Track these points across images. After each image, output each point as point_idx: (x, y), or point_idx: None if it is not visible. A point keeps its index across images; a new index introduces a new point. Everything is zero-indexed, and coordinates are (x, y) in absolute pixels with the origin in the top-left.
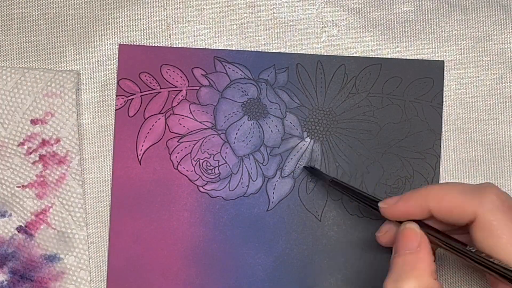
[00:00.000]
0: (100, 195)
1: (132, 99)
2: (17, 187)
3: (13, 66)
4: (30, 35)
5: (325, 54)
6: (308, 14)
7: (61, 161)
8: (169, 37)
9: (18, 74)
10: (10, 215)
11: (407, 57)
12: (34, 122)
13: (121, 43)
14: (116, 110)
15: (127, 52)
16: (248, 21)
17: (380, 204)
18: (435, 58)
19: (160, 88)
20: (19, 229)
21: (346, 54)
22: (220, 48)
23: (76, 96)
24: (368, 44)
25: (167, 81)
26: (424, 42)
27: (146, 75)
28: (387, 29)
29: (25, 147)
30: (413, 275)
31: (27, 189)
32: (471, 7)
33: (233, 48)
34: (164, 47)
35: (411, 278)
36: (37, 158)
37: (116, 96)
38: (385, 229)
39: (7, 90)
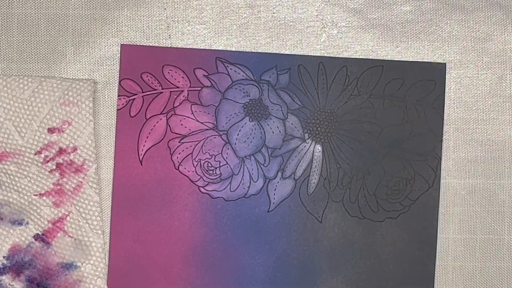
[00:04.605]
0: (101, 192)
1: (133, 99)
2: (34, 195)
3: (12, 69)
4: (30, 35)
5: (325, 54)
6: (308, 14)
7: (78, 170)
8: (169, 37)
9: (35, 83)
10: (27, 223)
11: (407, 58)
12: (51, 130)
13: (122, 43)
14: (117, 110)
15: (129, 52)
16: (248, 22)
17: None
18: (435, 58)
19: (162, 89)
20: (36, 237)
21: (346, 54)
22: (220, 48)
23: (93, 104)
24: (368, 44)
25: (168, 81)
26: (424, 42)
27: (148, 75)
28: (387, 30)
29: (42, 155)
30: None
31: (44, 197)
32: (471, 8)
33: (233, 49)
34: (166, 47)
35: None
36: (54, 167)
37: (118, 96)
38: None
39: (24, 99)
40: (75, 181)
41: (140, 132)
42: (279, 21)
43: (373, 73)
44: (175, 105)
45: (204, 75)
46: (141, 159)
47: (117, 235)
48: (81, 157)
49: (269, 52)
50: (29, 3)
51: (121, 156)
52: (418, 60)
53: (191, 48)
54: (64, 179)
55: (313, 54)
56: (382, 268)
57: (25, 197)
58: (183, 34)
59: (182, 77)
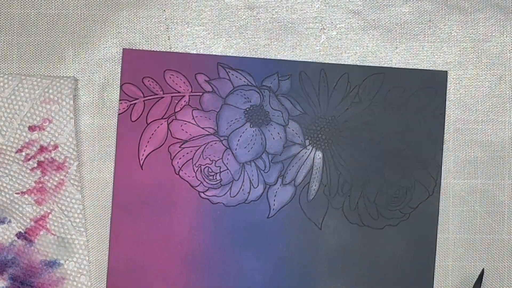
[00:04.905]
0: (101, 196)
1: (135, 103)
2: (16, 193)
3: (12, 69)
4: (30, 36)
5: (324, 55)
6: (307, 16)
7: (59, 167)
8: (168, 39)
9: (16, 81)
10: (10, 221)
11: (406, 59)
12: (32, 128)
13: (122, 45)
14: (119, 114)
15: (130, 57)
16: (247, 23)
17: None
18: (434, 59)
19: (163, 93)
20: (19, 235)
21: (345, 55)
22: (220, 50)
23: (74, 102)
24: (367, 46)
25: (170, 86)
26: (423, 43)
27: (150, 80)
28: (386, 31)
29: (23, 153)
30: None
31: (26, 195)
32: (470, 9)
33: (232, 50)
34: (167, 52)
35: None
36: (35, 165)
37: (119, 100)
38: None
39: (4, 97)
40: (56, 179)
41: (141, 137)
42: (278, 22)
43: (374, 80)
44: (176, 110)
45: (205, 80)
46: (141, 163)
47: (117, 239)
48: (62, 154)
49: (270, 56)
50: (29, 3)
51: (122, 160)
52: (418, 65)
53: (192, 53)
54: (46, 177)
55: (312, 56)
56: (381, 275)
57: (7, 196)
58: (182, 36)
59: (184, 82)
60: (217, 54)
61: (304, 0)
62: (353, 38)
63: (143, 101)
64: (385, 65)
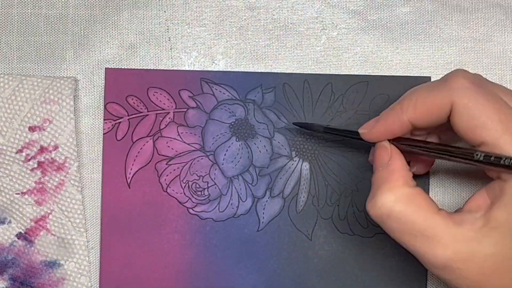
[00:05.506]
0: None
1: (119, 122)
2: (16, 194)
3: (12, 69)
4: (29, 36)
5: (325, 55)
6: (308, 16)
7: (59, 168)
8: (168, 40)
9: (16, 81)
10: (10, 222)
11: (407, 59)
12: (32, 129)
13: (123, 46)
14: (104, 134)
15: (113, 76)
16: (247, 24)
17: (360, 130)
18: (435, 59)
19: (148, 111)
20: (19, 235)
21: (345, 55)
22: (220, 50)
23: (74, 102)
24: (367, 46)
25: (154, 104)
26: (424, 43)
27: (133, 98)
28: (387, 31)
29: (24, 154)
30: (386, 188)
31: (26, 196)
32: (471, 9)
33: (233, 51)
34: (150, 70)
35: (385, 191)
36: (35, 165)
37: (104, 120)
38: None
39: (4, 98)
40: (56, 180)
41: (127, 156)
42: (279, 23)
43: (358, 89)
44: (161, 127)
45: (189, 96)
46: (129, 182)
47: (107, 260)
48: (63, 155)
49: (271, 57)
50: (29, 4)
51: (109, 181)
52: (419, 65)
53: (175, 70)
54: (46, 178)
55: (312, 55)
56: (374, 284)
57: (7, 196)
58: (183, 37)
59: (168, 99)
60: (200, 69)
61: (304, 1)
62: (353, 38)
63: (128, 119)
64: (386, 65)
